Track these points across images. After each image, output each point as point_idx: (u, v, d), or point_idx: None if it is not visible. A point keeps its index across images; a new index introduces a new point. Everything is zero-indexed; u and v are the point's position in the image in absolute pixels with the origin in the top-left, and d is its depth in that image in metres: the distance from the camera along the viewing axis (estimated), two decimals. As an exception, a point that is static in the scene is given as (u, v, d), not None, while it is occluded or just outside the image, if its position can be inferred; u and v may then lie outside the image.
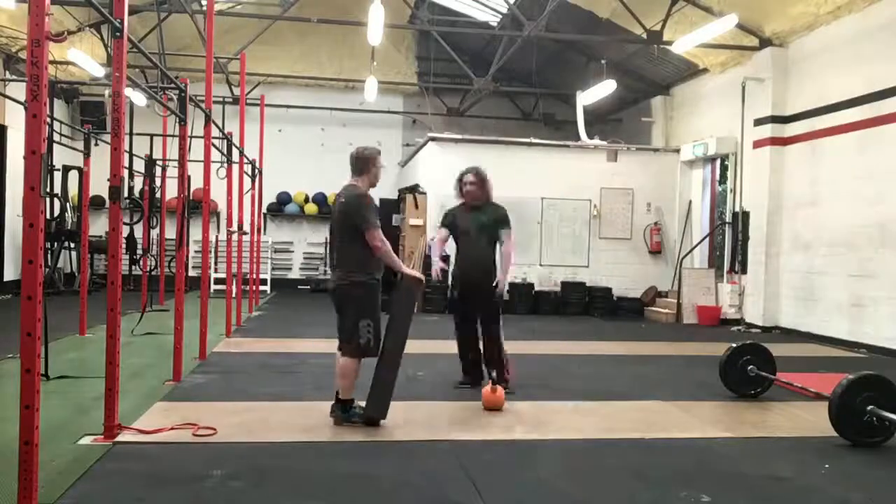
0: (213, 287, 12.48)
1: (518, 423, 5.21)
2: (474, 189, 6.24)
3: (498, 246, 6.22)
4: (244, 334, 9.44)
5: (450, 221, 6.42)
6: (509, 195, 13.34)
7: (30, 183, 3.10)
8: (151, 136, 12.35)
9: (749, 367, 6.12)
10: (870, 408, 4.68)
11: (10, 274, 13.28)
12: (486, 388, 5.53)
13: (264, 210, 16.14)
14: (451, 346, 8.74)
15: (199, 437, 4.53)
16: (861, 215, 9.62)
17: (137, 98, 11.74)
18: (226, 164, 10.03)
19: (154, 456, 4.21)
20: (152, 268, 11.39)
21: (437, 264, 6.46)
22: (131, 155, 11.67)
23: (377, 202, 17.10)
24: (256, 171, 12.61)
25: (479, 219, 6.23)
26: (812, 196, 10.63)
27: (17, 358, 3.21)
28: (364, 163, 5.15)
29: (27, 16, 3.11)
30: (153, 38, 12.58)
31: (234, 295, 9.95)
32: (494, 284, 6.09)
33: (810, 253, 10.64)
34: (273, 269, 17.11)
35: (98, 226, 14.40)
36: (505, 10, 14.37)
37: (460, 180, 6.34)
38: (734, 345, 6.25)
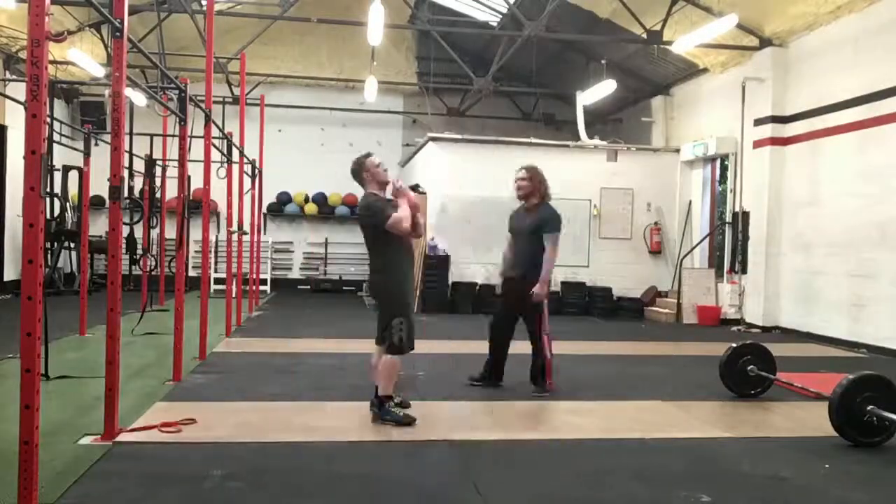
0: (213, 287, 12.48)
1: (518, 423, 5.21)
2: (526, 184, 6.41)
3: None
4: (244, 334, 9.43)
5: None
6: (509, 195, 13.44)
7: (30, 183, 3.10)
8: (151, 136, 12.35)
9: (749, 367, 6.12)
10: (870, 408, 4.68)
11: (10, 274, 13.27)
12: None
13: (264, 210, 16.14)
14: (449, 346, 8.78)
15: (198, 436, 4.53)
16: (861, 215, 9.62)
17: (137, 98, 11.74)
18: (226, 164, 10.03)
19: (154, 456, 4.21)
20: (152, 268, 11.38)
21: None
22: (131, 155, 11.67)
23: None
24: (256, 171, 12.60)
25: (525, 221, 6.38)
26: (812, 196, 10.63)
27: (17, 358, 3.21)
28: (357, 174, 5.17)
29: (27, 16, 3.11)
30: (153, 38, 12.57)
31: (234, 295, 9.95)
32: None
33: (810, 253, 10.64)
34: (273, 269, 17.12)
35: (98, 226, 14.39)
36: (505, 10, 14.37)
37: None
38: (734, 345, 6.25)
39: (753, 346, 6.27)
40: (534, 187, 6.36)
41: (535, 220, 6.27)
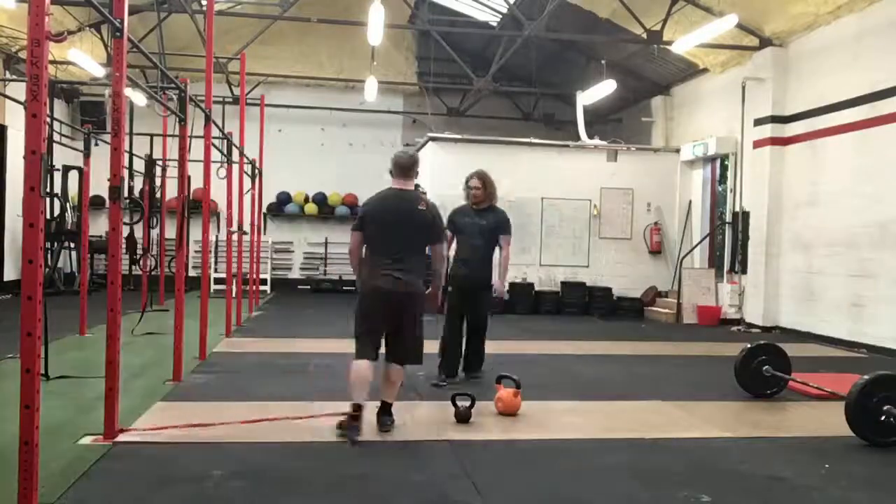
0: (213, 287, 12.47)
1: (518, 423, 5.21)
2: (479, 192, 6.57)
3: (497, 249, 6.60)
4: (244, 334, 9.43)
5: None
6: (509, 195, 13.48)
7: (30, 183, 3.10)
8: (151, 136, 12.34)
9: (765, 367, 6.11)
10: (886, 408, 4.67)
11: (10, 274, 13.27)
12: (509, 391, 5.38)
13: (264, 210, 16.13)
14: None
15: (198, 436, 4.53)
16: (861, 215, 9.62)
17: (137, 98, 11.73)
18: (226, 164, 10.03)
19: (154, 456, 4.21)
20: (152, 268, 11.38)
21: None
22: (131, 155, 11.65)
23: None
24: (256, 171, 12.60)
25: (481, 222, 6.53)
26: (812, 196, 10.63)
27: (17, 358, 3.20)
28: (411, 168, 4.96)
29: (27, 16, 3.11)
30: (153, 38, 12.57)
31: (234, 295, 9.95)
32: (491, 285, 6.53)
33: (810, 253, 10.64)
34: (273, 269, 17.11)
35: (98, 226, 14.38)
36: (505, 10, 14.37)
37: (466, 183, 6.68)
38: (749, 345, 6.24)
39: (769, 346, 6.27)
40: (488, 193, 6.62)
41: (491, 223, 6.56)
